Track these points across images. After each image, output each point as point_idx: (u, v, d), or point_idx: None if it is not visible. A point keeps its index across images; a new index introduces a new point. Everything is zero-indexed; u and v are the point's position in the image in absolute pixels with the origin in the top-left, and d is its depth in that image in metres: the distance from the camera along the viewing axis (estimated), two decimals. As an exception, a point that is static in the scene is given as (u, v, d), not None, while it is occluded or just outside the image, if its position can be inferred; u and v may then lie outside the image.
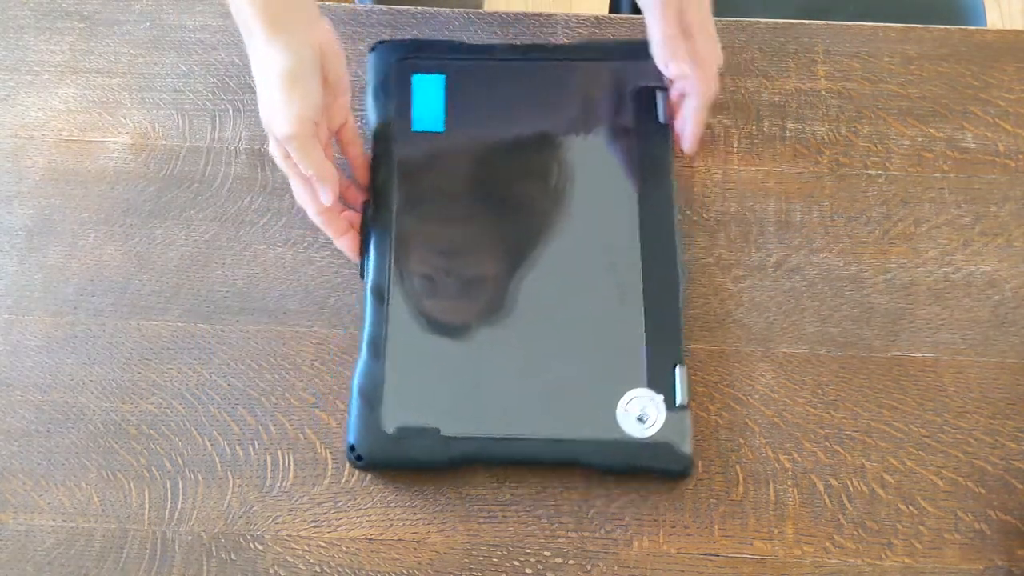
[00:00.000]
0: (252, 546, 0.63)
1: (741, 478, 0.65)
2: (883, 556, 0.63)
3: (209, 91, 0.78)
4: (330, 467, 0.65)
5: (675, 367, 0.65)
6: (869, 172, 0.75)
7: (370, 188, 0.71)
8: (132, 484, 0.65)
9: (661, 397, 0.64)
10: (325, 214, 0.68)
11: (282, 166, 0.67)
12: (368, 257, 0.68)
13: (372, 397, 0.64)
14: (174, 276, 0.71)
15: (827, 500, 0.64)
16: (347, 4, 0.82)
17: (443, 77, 0.74)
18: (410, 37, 0.78)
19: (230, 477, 0.65)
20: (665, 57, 0.69)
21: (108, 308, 0.70)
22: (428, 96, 0.73)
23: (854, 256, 0.72)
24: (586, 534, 0.63)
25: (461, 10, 0.80)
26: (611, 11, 1.12)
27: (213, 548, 0.63)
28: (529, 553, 0.63)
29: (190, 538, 0.64)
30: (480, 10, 0.81)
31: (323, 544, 0.63)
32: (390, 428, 0.63)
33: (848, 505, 0.64)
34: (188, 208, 0.73)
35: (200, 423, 0.67)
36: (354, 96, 0.71)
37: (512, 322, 0.67)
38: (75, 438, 0.66)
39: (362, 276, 0.68)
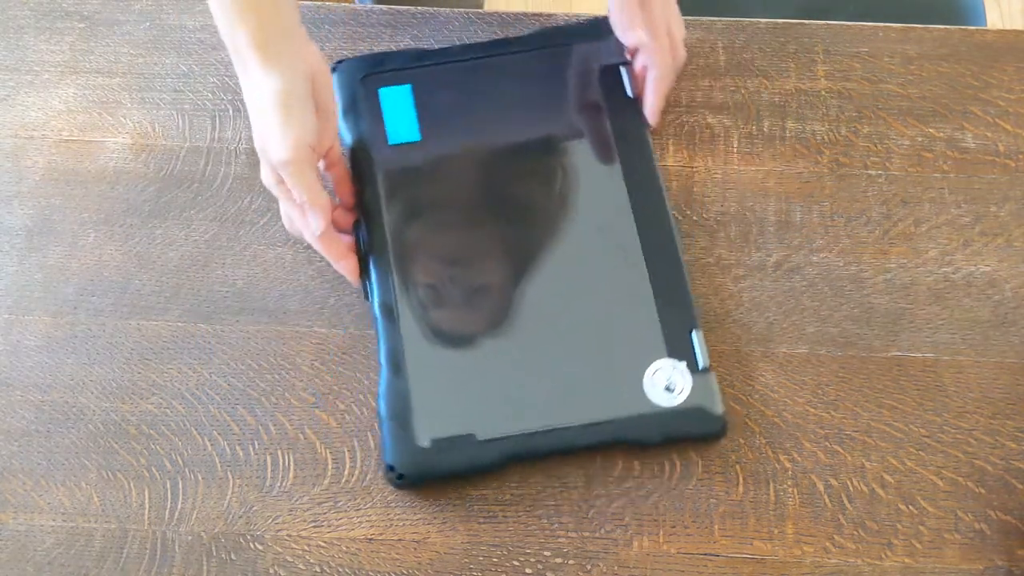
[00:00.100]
0: (252, 546, 0.63)
1: (741, 478, 0.65)
2: (883, 556, 0.63)
3: (209, 91, 0.78)
4: (330, 467, 0.65)
5: (691, 332, 0.66)
6: (869, 172, 0.75)
7: (358, 208, 0.70)
8: (132, 484, 0.65)
9: (683, 364, 0.65)
10: (324, 238, 0.67)
11: (275, 192, 0.67)
12: (370, 277, 0.68)
13: (401, 414, 0.64)
14: (174, 276, 0.71)
15: (827, 500, 0.64)
16: (347, 4, 0.82)
17: (409, 87, 0.74)
18: (369, 52, 0.78)
19: (230, 477, 0.65)
20: (623, 26, 0.71)
21: (108, 308, 0.70)
22: (398, 108, 0.73)
23: (854, 256, 0.72)
24: (586, 534, 0.63)
25: (461, 10, 0.80)
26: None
27: (213, 548, 0.63)
28: (529, 553, 0.63)
29: (190, 538, 0.64)
30: (480, 10, 0.81)
31: (323, 544, 0.63)
32: (425, 442, 0.63)
33: (848, 505, 0.64)
34: (188, 208, 0.74)
35: (200, 423, 0.67)
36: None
37: (525, 316, 0.67)
38: (75, 438, 0.66)
39: (366, 297, 0.68)
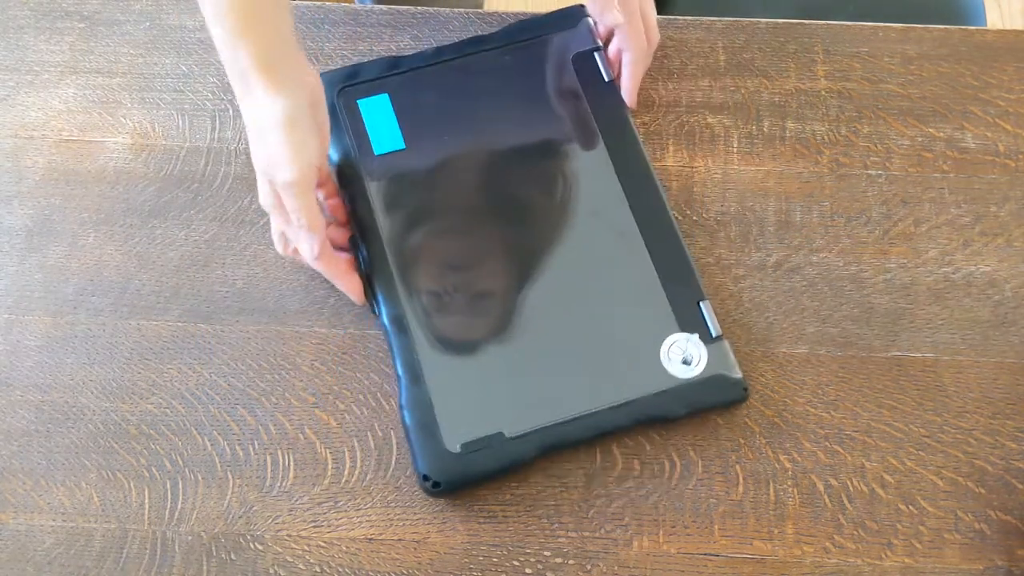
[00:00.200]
0: (252, 546, 0.63)
1: (741, 478, 0.65)
2: (883, 556, 0.63)
3: (209, 91, 0.78)
4: (330, 467, 0.65)
5: (699, 304, 0.67)
6: (869, 172, 0.75)
7: (353, 222, 0.70)
8: (132, 484, 0.65)
9: (696, 335, 0.66)
10: (324, 259, 0.67)
11: (274, 214, 0.66)
12: (375, 291, 0.68)
13: (427, 423, 0.64)
14: (174, 276, 0.71)
15: (827, 500, 0.64)
16: (347, 4, 0.82)
17: (387, 96, 0.74)
18: (349, 64, 0.77)
19: (230, 477, 0.65)
20: (599, 8, 0.72)
21: (108, 308, 0.70)
22: (379, 118, 0.73)
23: (854, 256, 0.72)
24: (586, 534, 0.63)
25: (461, 10, 0.80)
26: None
27: (213, 548, 0.63)
28: (529, 553, 0.63)
29: (190, 538, 0.64)
30: (480, 10, 0.81)
31: (323, 544, 0.63)
32: (455, 447, 0.63)
33: (848, 505, 0.64)
34: (188, 208, 0.73)
35: (200, 423, 0.67)
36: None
37: (535, 311, 0.67)
38: (75, 438, 0.66)
39: (373, 311, 0.68)
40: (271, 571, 0.63)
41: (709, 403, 0.65)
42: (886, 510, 0.64)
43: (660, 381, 0.65)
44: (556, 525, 0.64)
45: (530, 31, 0.77)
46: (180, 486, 0.65)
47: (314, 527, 0.64)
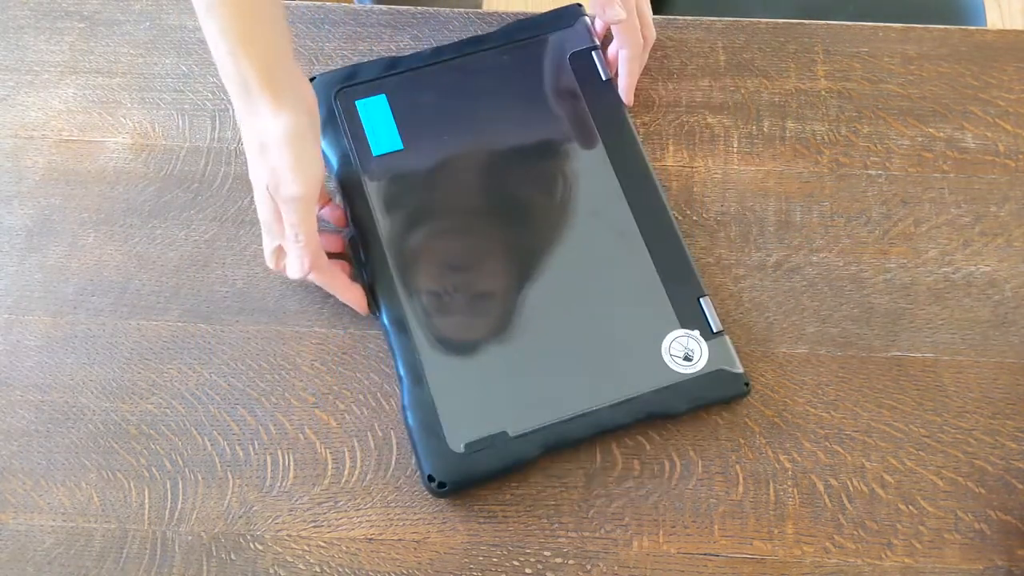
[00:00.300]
0: (252, 546, 0.63)
1: (741, 478, 0.65)
2: (883, 556, 0.63)
3: (209, 91, 0.78)
4: (330, 467, 0.65)
5: (699, 300, 0.67)
6: (869, 172, 0.75)
7: (352, 224, 0.70)
8: (132, 484, 0.65)
9: (697, 331, 0.66)
10: (326, 273, 0.67)
11: (272, 229, 0.66)
12: (376, 293, 0.68)
13: (430, 423, 0.64)
14: (174, 276, 0.71)
15: (827, 500, 0.64)
16: (347, 4, 0.82)
17: (384, 96, 0.74)
18: (348, 64, 0.77)
19: (230, 477, 0.65)
20: (601, 4, 0.71)
21: (108, 308, 0.70)
22: (377, 119, 0.73)
23: (854, 256, 0.72)
24: (586, 534, 0.63)
25: (460, 10, 0.80)
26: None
27: (213, 548, 0.63)
28: (529, 553, 0.63)
29: (190, 538, 0.64)
30: (480, 10, 0.81)
31: (323, 544, 0.63)
32: (459, 447, 0.63)
33: (848, 505, 0.64)
34: (188, 208, 0.73)
35: (200, 423, 0.67)
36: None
37: (536, 309, 0.67)
38: (75, 438, 0.66)
39: (374, 314, 0.68)
40: (271, 571, 0.63)
41: (711, 398, 0.65)
42: (886, 510, 0.64)
43: (662, 377, 0.65)
44: (556, 525, 0.64)
45: (527, 30, 0.77)
46: (180, 486, 0.65)
47: (314, 527, 0.64)
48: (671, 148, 0.75)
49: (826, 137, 0.76)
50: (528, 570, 0.62)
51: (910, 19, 0.83)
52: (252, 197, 0.73)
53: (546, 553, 0.63)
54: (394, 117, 0.73)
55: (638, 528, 0.64)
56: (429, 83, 0.75)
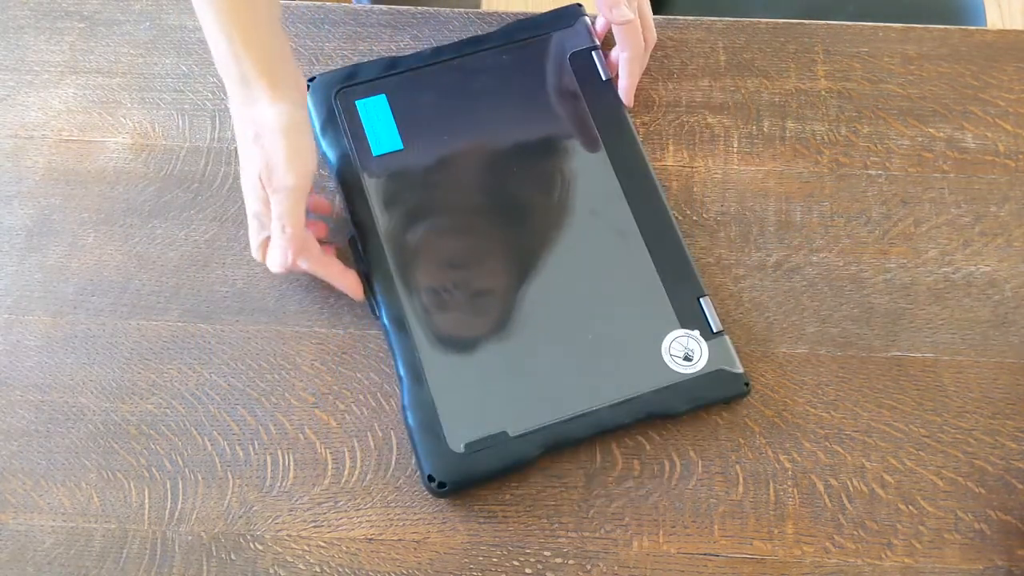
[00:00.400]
0: (252, 546, 0.63)
1: (741, 478, 0.65)
2: (883, 556, 0.63)
3: (209, 91, 0.78)
4: (330, 467, 0.65)
5: (699, 300, 0.67)
6: (869, 172, 0.75)
7: (352, 224, 0.70)
8: (132, 484, 0.65)
9: (697, 331, 0.66)
10: (319, 262, 0.67)
11: (260, 220, 0.66)
12: (375, 293, 0.68)
13: (430, 423, 0.64)
14: (174, 276, 0.71)
15: (827, 500, 0.64)
16: (346, 4, 0.82)
17: (384, 96, 0.74)
18: (348, 64, 0.78)
19: (230, 477, 0.65)
20: (608, 4, 0.71)
21: (108, 308, 0.70)
22: (377, 118, 0.73)
23: (854, 256, 0.72)
24: (586, 534, 0.63)
25: (460, 10, 0.80)
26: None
27: (213, 548, 0.63)
28: (529, 553, 0.63)
29: (190, 538, 0.64)
30: (480, 10, 0.81)
31: (323, 544, 0.63)
32: (459, 447, 0.63)
33: (848, 505, 0.64)
34: (188, 208, 0.73)
35: (200, 423, 0.67)
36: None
37: (535, 309, 0.67)
38: (75, 438, 0.66)
39: (374, 313, 0.68)
40: (271, 571, 0.63)
41: (711, 398, 0.65)
42: (886, 510, 0.64)
43: (662, 377, 0.65)
44: (556, 525, 0.64)
45: (527, 30, 0.77)
46: (180, 486, 0.65)
47: (314, 527, 0.64)
48: (671, 148, 0.75)
49: (826, 137, 0.76)
50: (528, 570, 0.62)
51: (910, 19, 0.83)
52: (252, 197, 0.73)
53: (546, 553, 0.63)
54: (394, 117, 0.73)
55: (638, 528, 0.64)
56: (429, 83, 0.75)
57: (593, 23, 0.78)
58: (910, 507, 0.64)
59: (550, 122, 0.73)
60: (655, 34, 0.76)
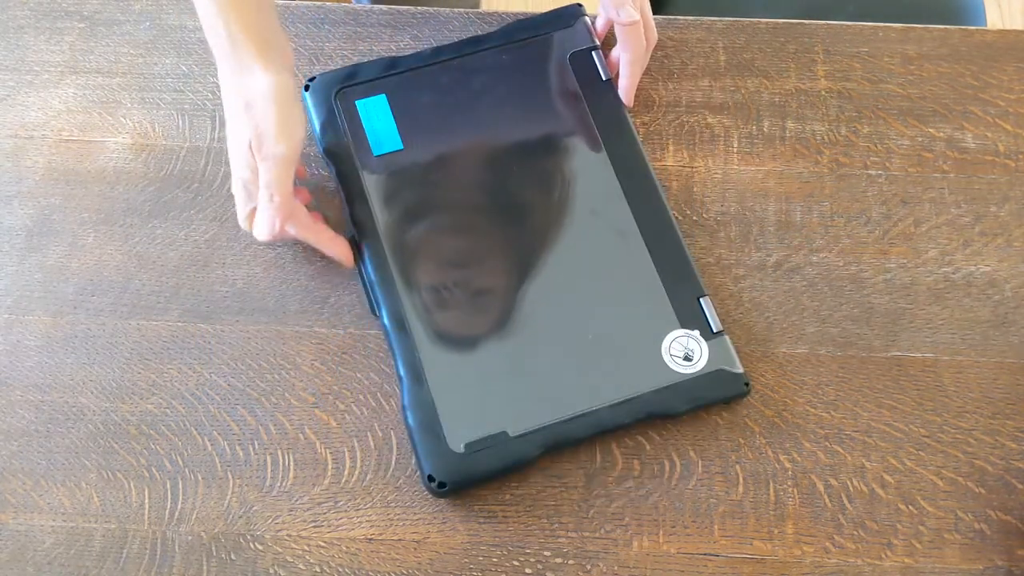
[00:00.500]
0: (252, 546, 0.63)
1: (741, 478, 0.65)
2: (883, 556, 0.63)
3: (209, 91, 0.78)
4: (330, 467, 0.65)
5: (699, 300, 0.67)
6: (869, 172, 0.75)
7: (352, 223, 0.70)
8: (132, 484, 0.65)
9: (697, 331, 0.66)
10: (310, 228, 0.68)
11: (249, 188, 0.66)
12: (375, 292, 0.68)
13: (430, 423, 0.64)
14: (174, 276, 0.71)
15: (827, 500, 0.64)
16: (346, 4, 0.82)
17: (384, 96, 0.74)
18: (348, 64, 0.78)
19: (230, 477, 0.65)
20: (615, 4, 0.72)
21: (108, 308, 0.70)
22: (378, 118, 0.73)
23: (854, 256, 0.72)
24: (586, 534, 0.63)
25: (460, 10, 0.80)
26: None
27: (213, 548, 0.63)
28: (529, 553, 0.63)
29: (190, 538, 0.64)
30: (480, 10, 0.81)
31: (323, 544, 0.63)
32: (459, 447, 0.63)
33: (848, 505, 0.64)
34: (188, 208, 0.73)
35: (200, 423, 0.67)
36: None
37: (535, 309, 0.67)
38: (75, 438, 0.66)
39: (374, 313, 0.68)
40: (271, 571, 0.63)
41: (711, 398, 0.65)
42: (886, 510, 0.64)
43: (662, 377, 0.65)
44: (556, 525, 0.64)
45: (527, 30, 0.77)
46: (180, 486, 0.65)
47: (314, 527, 0.64)
48: (671, 148, 0.75)
49: (826, 137, 0.76)
50: (528, 570, 0.62)
51: (910, 19, 0.83)
52: (252, 197, 0.73)
53: (546, 553, 0.63)
54: (394, 117, 0.73)
55: (638, 528, 0.64)
56: (429, 83, 0.75)
57: (593, 23, 0.78)
58: (910, 507, 0.64)
59: (550, 122, 0.73)
60: (656, 34, 0.76)
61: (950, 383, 0.67)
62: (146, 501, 0.65)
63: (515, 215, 0.71)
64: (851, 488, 0.65)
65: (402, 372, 0.65)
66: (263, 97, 0.64)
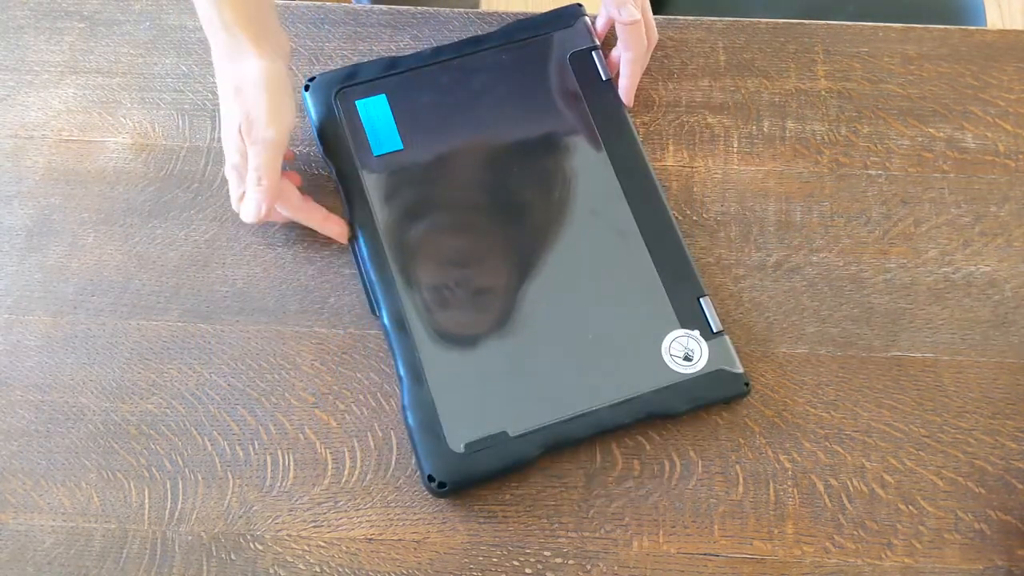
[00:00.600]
0: (252, 546, 0.63)
1: (741, 478, 0.65)
2: (883, 556, 0.63)
3: (209, 91, 0.78)
4: (330, 467, 0.65)
5: (699, 300, 0.67)
6: (869, 172, 0.75)
7: (352, 223, 0.70)
8: (132, 484, 0.65)
9: (697, 331, 0.66)
10: (303, 209, 0.69)
11: (239, 172, 0.67)
12: (375, 292, 0.68)
13: (430, 423, 0.64)
14: (174, 276, 0.71)
15: (827, 500, 0.64)
16: (346, 4, 0.82)
17: (384, 96, 0.74)
18: (348, 63, 0.78)
19: (230, 477, 0.65)
20: (616, 3, 0.72)
21: (108, 308, 0.70)
22: (378, 118, 0.73)
23: (854, 256, 0.72)
24: (586, 534, 0.63)
25: (460, 10, 0.80)
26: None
27: (213, 548, 0.63)
28: (529, 553, 0.63)
29: (190, 538, 0.64)
30: (480, 10, 0.81)
31: (323, 544, 0.63)
32: (459, 447, 0.63)
33: (848, 505, 0.64)
34: (188, 208, 0.73)
35: (200, 423, 0.67)
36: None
37: (535, 309, 0.67)
38: (75, 438, 0.66)
39: (374, 313, 0.68)
40: (271, 571, 0.63)
41: (711, 398, 0.65)
42: (886, 510, 0.64)
43: (662, 377, 0.65)
44: (556, 525, 0.64)
45: (527, 30, 0.77)
46: (180, 486, 0.65)
47: (314, 527, 0.64)
48: (671, 148, 0.75)
49: (826, 137, 0.76)
50: (528, 570, 0.62)
51: (910, 19, 0.83)
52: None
53: (546, 553, 0.63)
54: (394, 117, 0.73)
55: (638, 528, 0.64)
56: (429, 83, 0.75)
57: (593, 23, 0.78)
58: (910, 507, 0.64)
59: (550, 122, 0.73)
60: (656, 33, 0.76)
61: (950, 383, 0.67)
62: (146, 501, 0.65)
63: (515, 215, 0.71)
64: (851, 488, 0.65)
65: (402, 372, 0.65)
66: (254, 83, 0.65)
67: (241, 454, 0.66)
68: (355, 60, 0.78)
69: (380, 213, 0.70)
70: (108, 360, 0.68)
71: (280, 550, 0.63)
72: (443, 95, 0.74)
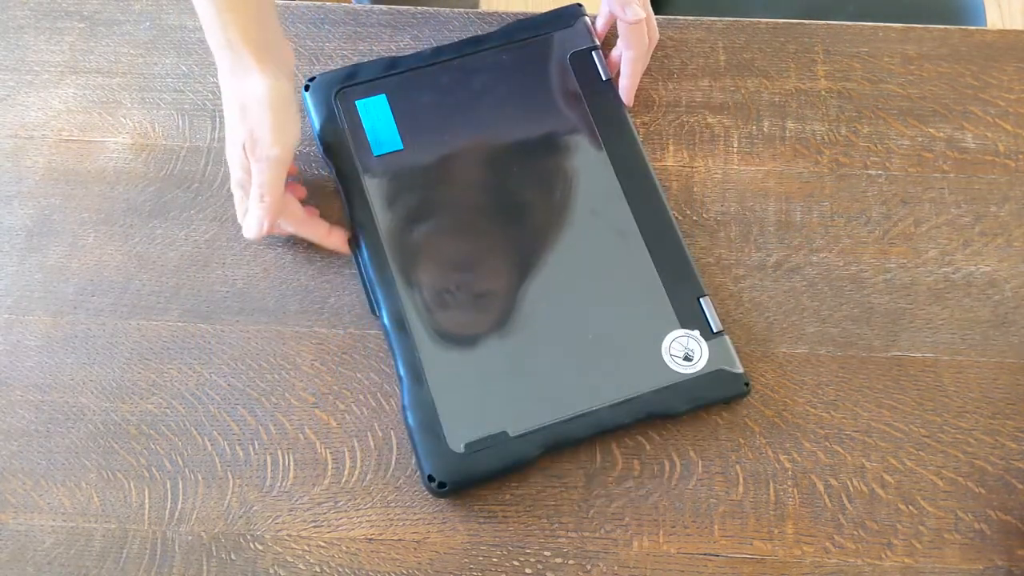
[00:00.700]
0: (252, 546, 0.63)
1: (741, 478, 0.65)
2: (883, 556, 0.63)
3: (209, 91, 0.78)
4: (330, 467, 0.65)
5: (699, 300, 0.67)
6: (869, 172, 0.75)
7: (352, 223, 0.70)
8: (132, 484, 0.65)
9: (697, 331, 0.66)
10: (305, 224, 0.69)
11: (243, 188, 0.67)
12: (375, 292, 0.68)
13: (430, 423, 0.64)
14: (174, 276, 0.71)
15: (827, 500, 0.64)
16: (346, 4, 0.82)
17: (384, 96, 0.74)
18: (348, 64, 0.78)
19: (230, 477, 0.65)
20: (621, 3, 0.72)
21: (108, 308, 0.70)
22: (378, 119, 0.73)
23: (854, 256, 0.72)
24: (586, 534, 0.63)
25: (460, 10, 0.80)
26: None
27: (213, 548, 0.63)
28: (529, 553, 0.63)
29: (190, 538, 0.64)
30: (480, 10, 0.81)
31: (323, 544, 0.63)
32: (459, 447, 0.63)
33: (848, 505, 0.64)
34: (188, 208, 0.73)
35: (200, 423, 0.67)
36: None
37: (536, 309, 0.67)
38: (75, 438, 0.66)
39: (374, 313, 0.68)
40: (271, 571, 0.63)
41: (711, 398, 0.65)
42: (886, 510, 0.64)
43: (662, 377, 0.65)
44: (556, 525, 0.64)
45: (527, 30, 0.77)
46: (180, 486, 0.65)
47: (314, 527, 0.64)
48: (671, 148, 0.75)
49: (826, 137, 0.76)
50: (528, 570, 0.62)
51: (910, 19, 0.83)
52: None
53: (546, 553, 0.63)
54: (394, 117, 0.73)
55: (638, 528, 0.64)
56: (429, 83, 0.75)
57: (593, 23, 0.78)
58: (910, 507, 0.64)
59: (550, 122, 0.73)
60: (657, 33, 0.76)
61: (950, 383, 0.67)
62: (146, 501, 0.65)
63: (515, 215, 0.71)
64: (851, 488, 0.65)
65: (402, 372, 0.65)
66: (258, 101, 0.65)
67: (241, 454, 0.66)
68: (355, 60, 0.78)
69: (380, 213, 0.70)
70: (108, 360, 0.68)
71: (280, 550, 0.63)
72: (443, 95, 0.74)
